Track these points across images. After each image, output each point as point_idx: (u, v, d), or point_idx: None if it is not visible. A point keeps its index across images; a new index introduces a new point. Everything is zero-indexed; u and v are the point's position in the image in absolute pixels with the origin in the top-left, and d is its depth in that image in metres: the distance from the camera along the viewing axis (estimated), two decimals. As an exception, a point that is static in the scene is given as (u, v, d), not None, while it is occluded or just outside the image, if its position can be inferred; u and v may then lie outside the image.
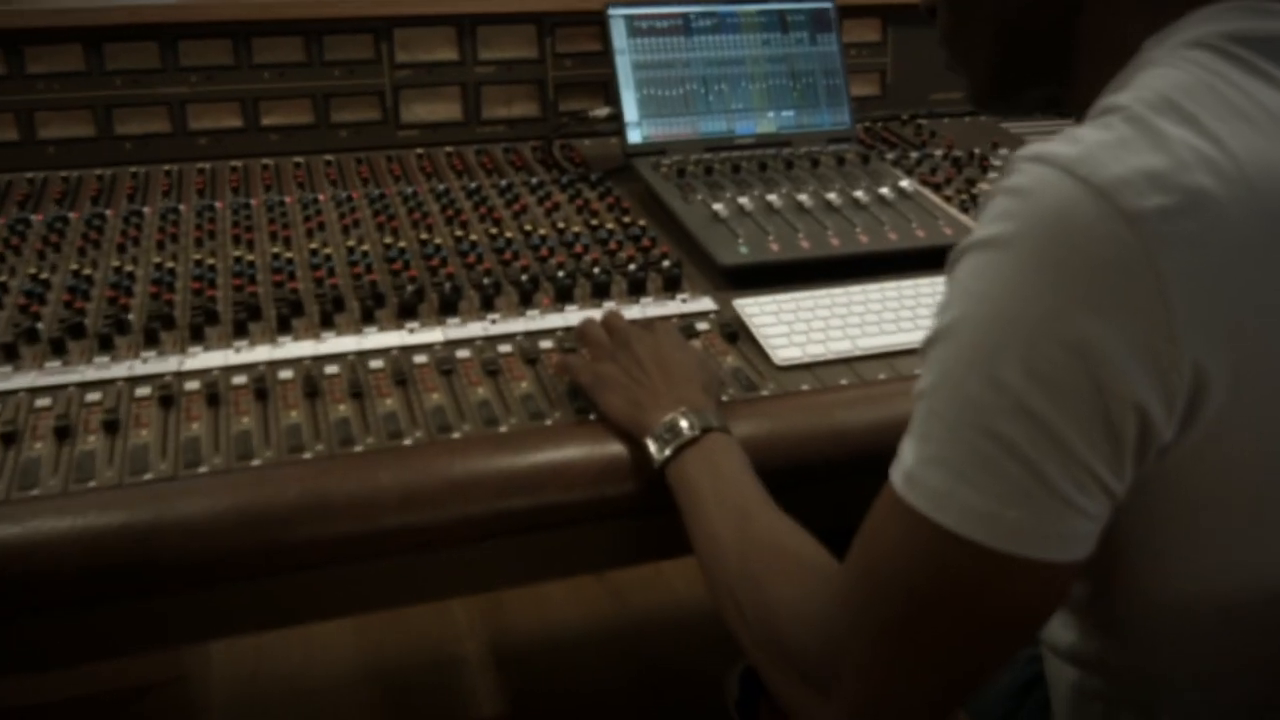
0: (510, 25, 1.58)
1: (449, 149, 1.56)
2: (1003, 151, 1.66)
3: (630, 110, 1.44)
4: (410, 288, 1.16)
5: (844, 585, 0.70)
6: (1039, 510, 0.60)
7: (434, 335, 1.09)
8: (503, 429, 0.96)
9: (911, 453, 0.65)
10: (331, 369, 1.03)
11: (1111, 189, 0.59)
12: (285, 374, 1.02)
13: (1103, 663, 0.77)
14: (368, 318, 1.11)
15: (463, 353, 1.06)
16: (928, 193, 1.43)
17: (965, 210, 1.42)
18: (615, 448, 0.95)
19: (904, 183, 1.39)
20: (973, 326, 0.63)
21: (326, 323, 1.10)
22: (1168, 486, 0.64)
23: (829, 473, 1.00)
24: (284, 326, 1.09)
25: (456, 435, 0.95)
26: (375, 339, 1.08)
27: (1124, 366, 0.59)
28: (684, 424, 0.91)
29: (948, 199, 1.46)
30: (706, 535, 0.85)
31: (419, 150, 1.55)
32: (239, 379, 1.01)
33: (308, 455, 0.92)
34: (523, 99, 1.61)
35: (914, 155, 1.61)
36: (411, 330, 1.10)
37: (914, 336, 1.12)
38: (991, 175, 1.56)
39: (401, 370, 1.02)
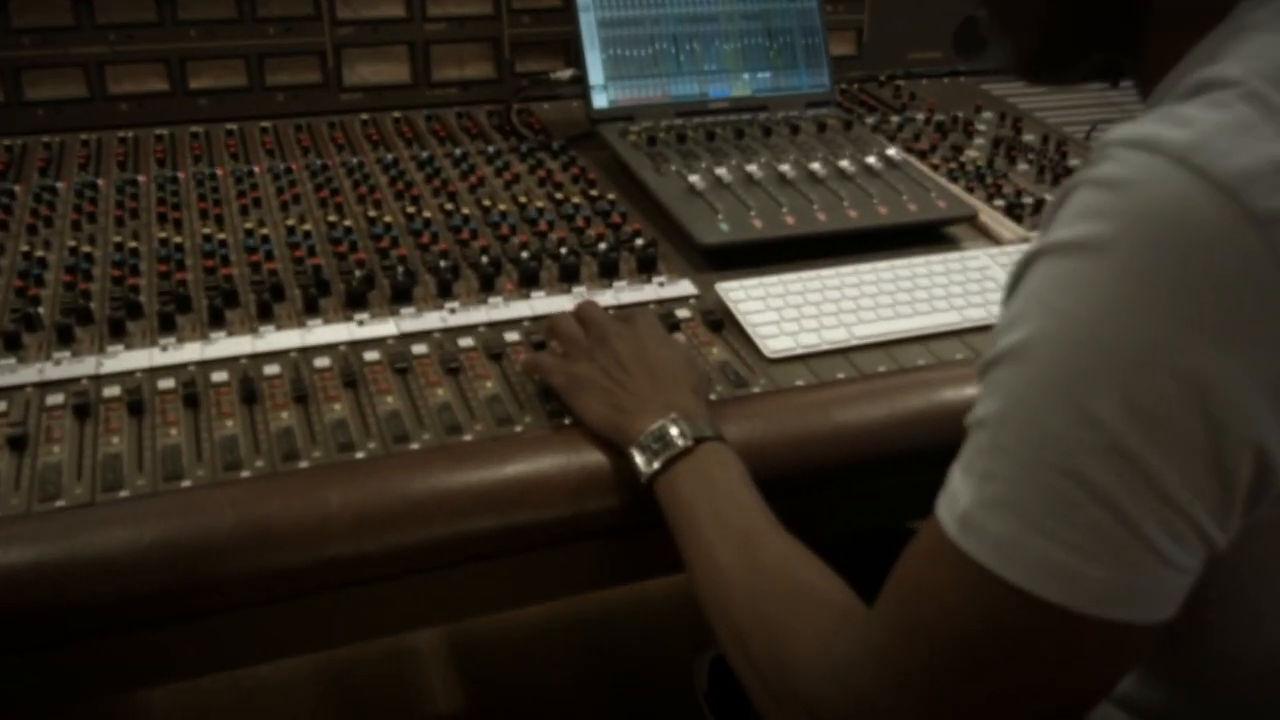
0: (461, -22, 1.45)
1: (396, 114, 1.44)
2: (987, 115, 1.56)
3: (595, 72, 1.32)
4: (358, 273, 1.04)
5: (879, 636, 0.60)
6: (1127, 565, 0.51)
7: (386, 328, 0.98)
8: (467, 437, 0.86)
9: (968, 492, 0.56)
10: (271, 369, 0.92)
11: (1237, 184, 0.49)
12: (219, 376, 0.91)
13: (1164, 715, 0.68)
14: (311, 308, 1.00)
15: (419, 347, 0.96)
16: (915, 161, 1.33)
17: (955, 180, 1.33)
18: (595, 458, 0.85)
19: (891, 151, 1.29)
20: (1054, 348, 0.53)
21: (265, 314, 0.99)
22: None
23: (828, 479, 0.90)
24: (217, 320, 0.98)
25: (415, 446, 0.84)
26: (320, 333, 0.97)
27: (1245, 400, 0.49)
28: (674, 432, 0.81)
29: (935, 167, 1.36)
30: (705, 561, 0.75)
31: (364, 116, 1.42)
32: (166, 383, 0.89)
33: (246, 474, 0.81)
34: (477, 59, 1.49)
35: (895, 120, 1.51)
36: (361, 322, 0.99)
37: (914, 323, 1.02)
38: (978, 141, 1.47)
39: (351, 370, 0.91)
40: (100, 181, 1.23)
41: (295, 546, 0.77)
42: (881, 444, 0.91)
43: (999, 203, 1.28)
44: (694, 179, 1.19)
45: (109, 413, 0.86)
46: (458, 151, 1.33)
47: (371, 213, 1.17)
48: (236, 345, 0.95)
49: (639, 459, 0.81)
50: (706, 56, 1.37)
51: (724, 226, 1.12)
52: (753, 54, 1.39)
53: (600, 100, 1.33)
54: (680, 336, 0.94)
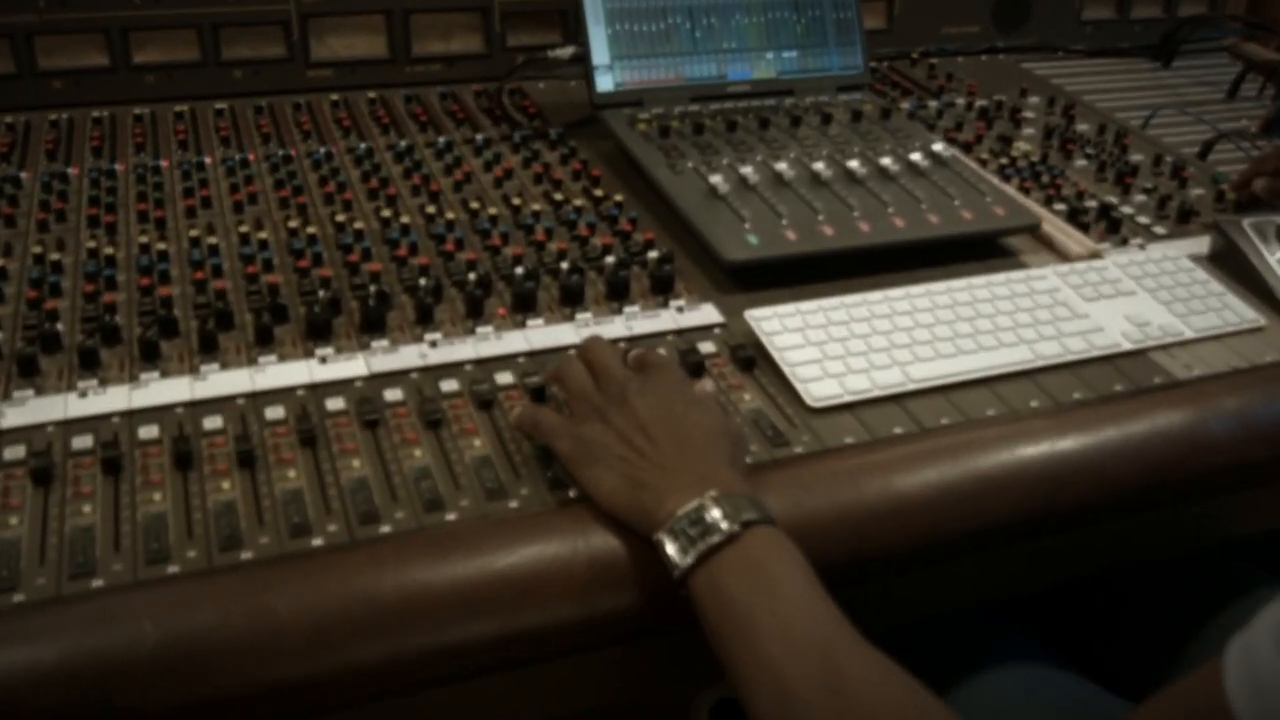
0: (446, -62, 1.28)
1: (371, 94, 1.27)
2: (1034, 99, 1.40)
3: (600, 50, 1.15)
4: (322, 294, 0.88)
5: None
6: None
7: (354, 366, 0.82)
8: (450, 516, 0.70)
9: None
10: (212, 421, 0.76)
11: None
12: (148, 431, 0.74)
13: None
14: (264, 339, 0.84)
15: (393, 392, 0.79)
16: (964, 158, 1.17)
17: (1007, 178, 1.16)
18: (609, 542, 0.69)
19: (938, 146, 1.13)
20: None
21: (208, 348, 0.82)
22: None
23: (886, 562, 0.75)
24: (150, 355, 0.81)
25: (386, 529, 0.69)
26: (274, 373, 0.81)
27: None
28: (714, 514, 0.65)
29: (983, 163, 1.20)
30: (767, 680, 0.60)
31: (334, 96, 1.25)
32: (81, 441, 0.73)
33: (174, 569, 0.65)
34: (463, 31, 1.31)
35: (933, 105, 1.35)
36: (324, 359, 0.82)
37: (978, 361, 0.87)
38: (1027, 131, 1.31)
39: (310, 423, 0.75)
40: (24, 175, 1.06)
41: (234, 669, 0.61)
42: (949, 518, 0.76)
43: (1059, 207, 1.12)
44: (715, 179, 1.02)
45: (8, 483, 0.70)
46: (441, 140, 1.16)
47: (340, 216, 1.00)
48: (171, 390, 0.78)
49: (670, 548, 0.65)
50: (725, 33, 1.20)
51: (752, 239, 0.96)
52: (777, 30, 1.22)
53: (605, 82, 1.16)
54: (708, 385, 0.78)
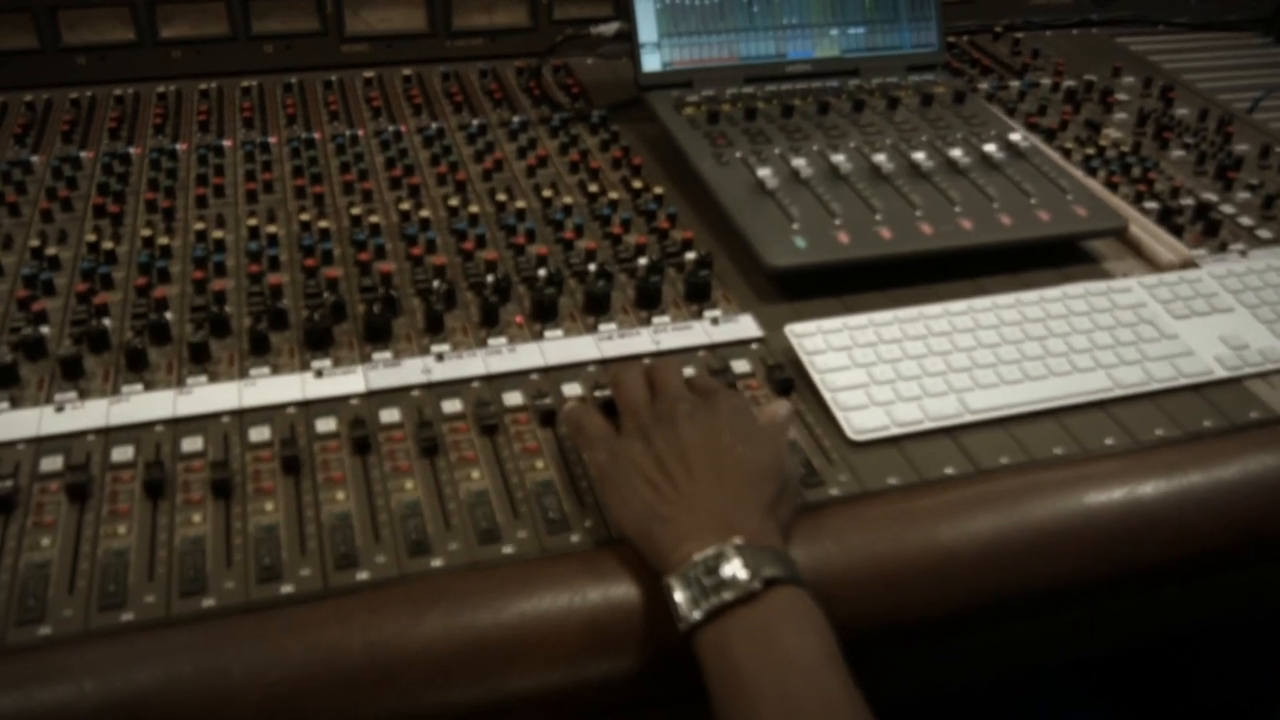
0: (490, -97, 1.19)
1: (408, 71, 1.19)
2: (1128, 79, 1.27)
3: (647, 26, 1.06)
4: (328, 297, 0.81)
5: None
6: None
7: (351, 382, 0.75)
8: (436, 562, 0.63)
9: None
10: (192, 443, 0.70)
11: None
12: (122, 453, 0.69)
13: None
14: (259, 348, 0.77)
15: (390, 413, 0.73)
16: (1045, 148, 1.06)
17: (1093, 171, 1.05)
18: (610, 598, 0.61)
19: (1015, 136, 1.02)
20: None
21: (199, 357, 0.76)
22: None
23: (927, 626, 0.66)
24: (136, 364, 0.75)
25: (363, 575, 0.62)
26: (265, 388, 0.74)
27: None
28: (733, 567, 0.57)
29: (1066, 153, 1.09)
30: None
31: (368, 73, 1.18)
32: (50, 462, 0.68)
33: (128, 616, 0.59)
34: (506, 3, 1.23)
35: (1015, 86, 1.23)
36: (320, 373, 0.76)
37: (1047, 389, 0.77)
38: (1119, 116, 1.19)
39: (296, 447, 0.69)
40: (36, 159, 1.01)
41: (179, 738, 0.55)
42: (1003, 577, 0.67)
43: (1151, 205, 1.00)
44: (763, 173, 0.93)
45: (-32, 510, 0.64)
46: (475, 123, 1.08)
47: (357, 209, 0.93)
48: (153, 405, 0.72)
49: (680, 596, 0.58)
50: (785, 7, 1.10)
51: (800, 242, 0.87)
52: (842, 4, 1.12)
53: (652, 62, 1.07)
54: (781, 409, 0.69)
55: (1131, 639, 0.80)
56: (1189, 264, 0.93)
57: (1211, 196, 1.03)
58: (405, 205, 0.94)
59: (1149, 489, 0.70)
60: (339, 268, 0.86)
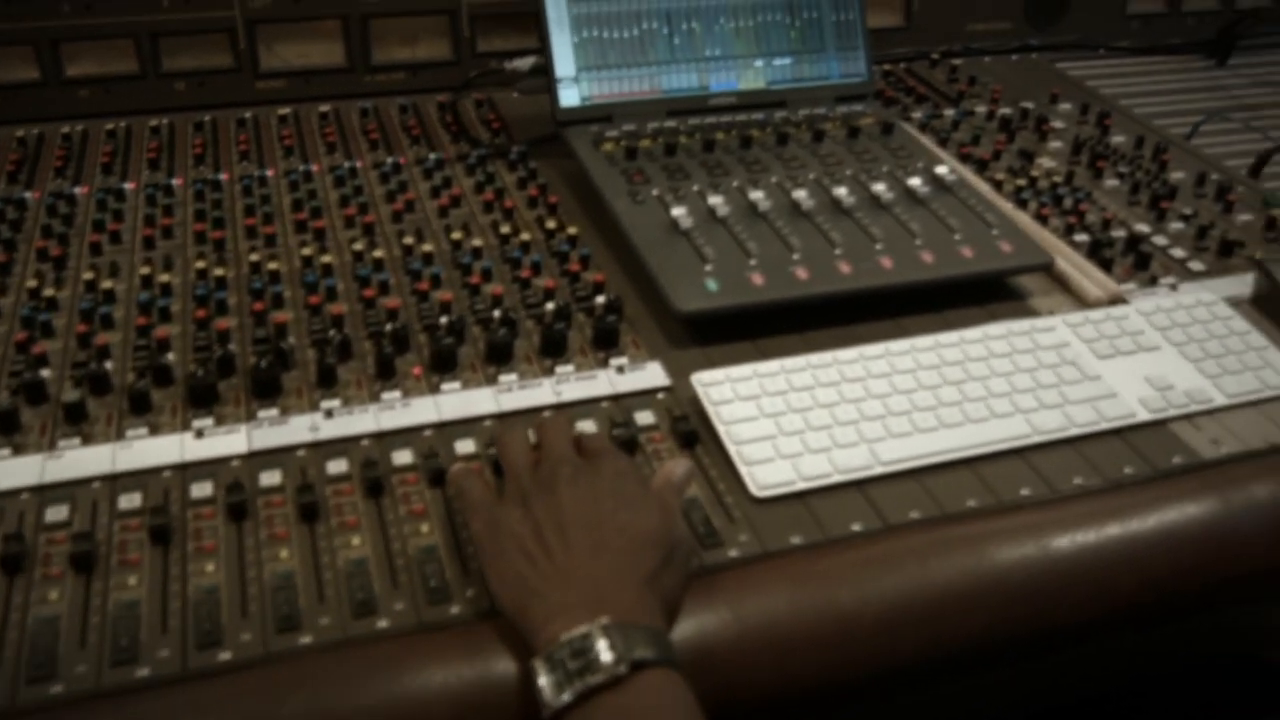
0: (408, -66, 1.17)
1: (325, 108, 1.16)
2: (1065, 106, 1.25)
3: (564, 60, 1.03)
4: (217, 351, 0.78)
5: None
6: None
7: (233, 441, 0.72)
8: (305, 639, 0.59)
9: None
10: (57, 513, 0.66)
11: None
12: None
13: None
14: (139, 407, 0.74)
15: (271, 475, 0.69)
16: (973, 179, 1.03)
17: (1023, 203, 1.03)
18: (486, 676, 0.58)
19: (941, 168, 0.99)
20: None
21: (74, 418, 0.73)
22: None
23: (820, 700, 0.63)
24: (6, 427, 0.72)
25: (226, 655, 0.58)
26: (141, 450, 0.71)
27: None
28: (600, 647, 0.54)
29: (998, 184, 1.06)
30: None
31: (283, 110, 1.15)
32: (-95, 537, 0.64)
33: (-35, 710, 0.55)
34: (429, 36, 1.21)
35: (949, 114, 1.21)
36: (201, 432, 0.72)
37: (963, 436, 0.74)
38: (1054, 145, 1.16)
39: (168, 515, 0.65)
40: (-74, 205, 0.97)
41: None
42: (904, 642, 0.64)
43: (1081, 238, 0.98)
44: (678, 212, 0.90)
45: None
46: (389, 161, 1.05)
47: (257, 255, 0.90)
48: (20, 471, 0.69)
49: (544, 679, 0.54)
50: (708, 39, 1.08)
51: (711, 284, 0.84)
52: (768, 34, 1.09)
53: (570, 96, 1.04)
54: (679, 469, 0.66)
55: (1053, 699, 0.77)
56: (1117, 300, 0.90)
57: (1144, 228, 1.01)
58: (308, 250, 0.90)
59: (1064, 543, 0.67)
60: (232, 318, 0.83)
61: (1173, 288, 0.93)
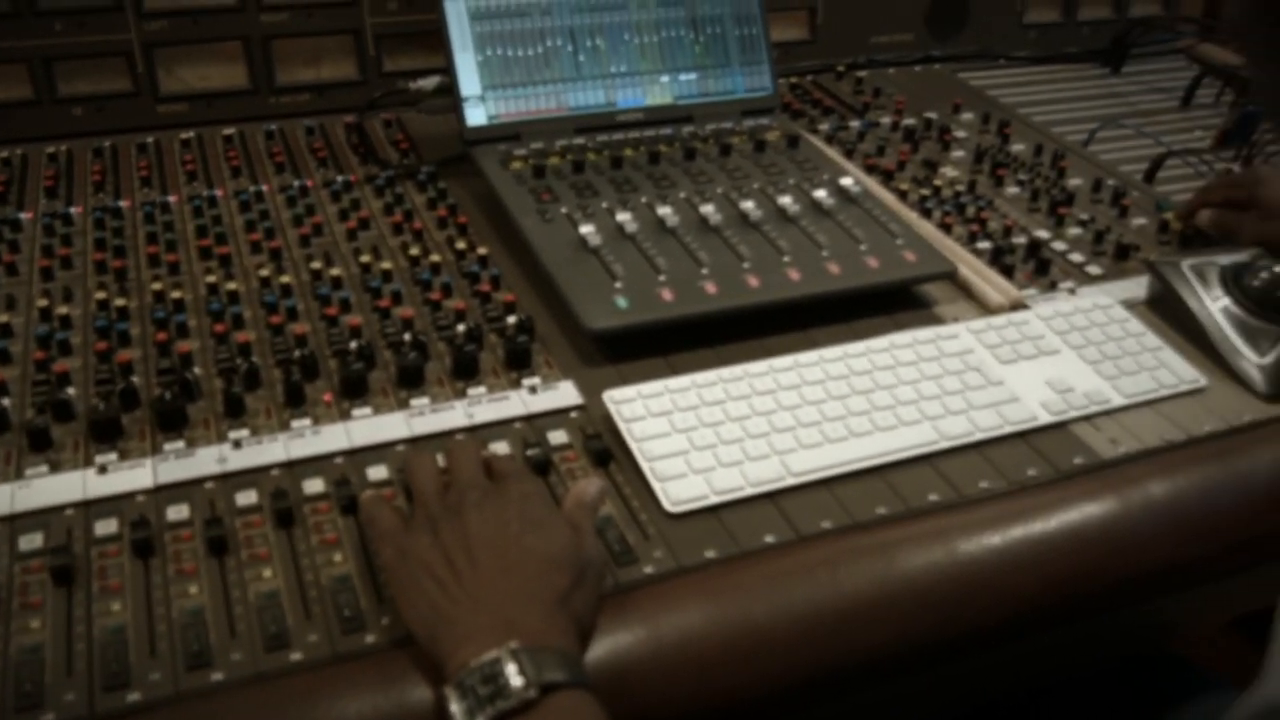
0: (310, -46, 1.15)
1: (229, 131, 1.14)
2: (967, 115, 1.28)
3: (469, 79, 1.03)
4: (120, 385, 0.76)
5: None
6: None
7: (139, 476, 0.71)
8: (217, 676, 0.59)
9: None
10: (-48, 558, 0.64)
11: None
12: (-128, 572, 0.63)
13: None
14: (38, 444, 0.72)
15: (178, 509, 0.68)
16: (878, 190, 1.05)
17: (927, 213, 1.05)
18: (404, 704, 0.58)
19: (846, 180, 1.01)
20: None
21: (-29, 459, 0.71)
22: None
23: (741, 714, 0.64)
24: (-102, 469, 0.69)
25: (135, 696, 0.57)
26: (41, 488, 0.70)
27: None
28: (509, 672, 0.54)
29: (902, 194, 1.08)
30: None
31: (186, 134, 1.13)
32: None
33: None
34: (334, 55, 1.19)
35: (855, 126, 1.23)
36: (104, 468, 0.71)
37: (872, 445, 0.76)
38: (956, 154, 1.19)
39: (70, 553, 0.64)
40: None
41: None
42: (817, 654, 0.65)
43: (984, 245, 1.00)
44: (586, 230, 0.91)
45: None
46: (296, 184, 1.04)
47: (161, 283, 0.88)
48: (-87, 515, 0.67)
49: (455, 707, 0.54)
50: (613, 56, 1.08)
51: (621, 302, 0.85)
52: (673, 50, 1.10)
53: (477, 115, 1.04)
54: (591, 488, 0.66)
55: (963, 704, 0.78)
56: (1018, 305, 0.92)
57: (1044, 234, 1.03)
58: (214, 278, 0.89)
59: (970, 547, 0.69)
60: (135, 350, 0.81)
61: (1071, 292, 0.95)
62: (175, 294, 0.87)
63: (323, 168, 1.09)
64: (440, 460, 0.68)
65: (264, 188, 1.04)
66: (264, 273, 0.90)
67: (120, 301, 0.85)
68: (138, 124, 1.13)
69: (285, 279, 0.89)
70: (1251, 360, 0.85)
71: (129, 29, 1.10)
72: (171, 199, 1.01)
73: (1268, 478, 0.78)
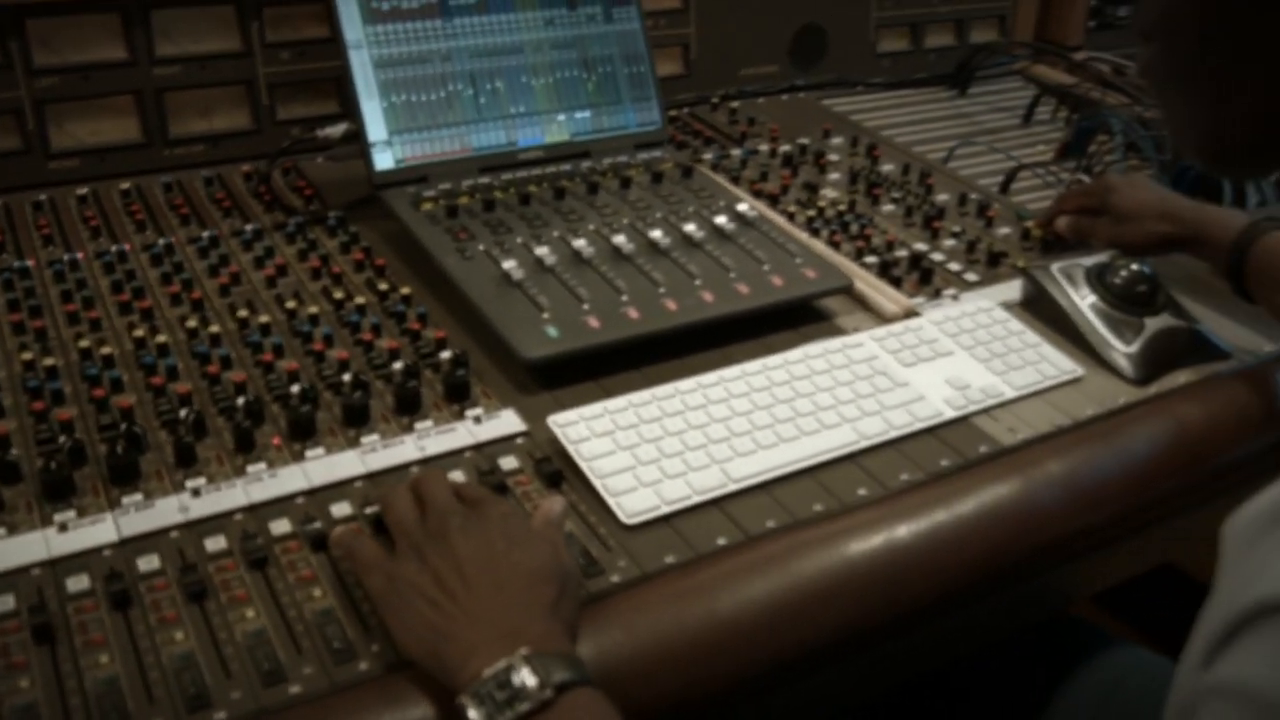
0: (197, 7, 1.16)
1: (125, 185, 1.14)
2: (836, 140, 1.37)
3: (375, 125, 1.06)
4: (63, 441, 0.77)
5: None
6: None
7: (101, 531, 0.71)
8: (219, 715, 0.60)
9: None
10: (-76, 625, 0.64)
11: None
12: None
13: None
14: (-8, 507, 0.72)
15: (148, 560, 0.69)
16: (769, 213, 1.12)
17: (815, 232, 1.12)
18: (420, 713, 0.60)
19: (742, 205, 1.08)
20: None
21: (-79, 526, 0.70)
22: None
23: (714, 704, 0.68)
24: None
25: (136, 744, 0.58)
26: (6, 551, 0.69)
27: None
28: (523, 677, 0.57)
29: (790, 216, 1.16)
30: None
31: (81, 190, 1.12)
32: None
33: None
34: (227, 106, 1.20)
35: (736, 154, 1.30)
36: (64, 526, 0.71)
37: (801, 449, 0.82)
38: (833, 176, 1.27)
39: (46, 613, 0.64)
40: None
41: None
42: (779, 640, 0.70)
43: (871, 260, 1.08)
44: (508, 265, 0.95)
45: None
46: (205, 235, 1.05)
47: (86, 340, 0.88)
48: (-127, 587, 0.66)
49: (474, 714, 0.57)
50: (512, 97, 1.13)
51: (552, 331, 0.89)
52: (568, 90, 1.16)
53: (385, 160, 1.07)
54: (555, 506, 0.70)
55: (900, 676, 0.85)
56: (911, 313, 1.00)
57: (922, 246, 1.12)
58: (140, 331, 0.89)
59: (903, 532, 0.76)
60: (72, 407, 0.81)
61: (955, 298, 1.04)
62: (104, 350, 0.87)
63: (228, 217, 1.10)
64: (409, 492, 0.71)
65: (172, 240, 1.04)
66: (191, 324, 0.91)
67: (48, 360, 0.85)
68: (29, 181, 1.12)
69: (214, 329, 0.90)
70: (1120, 350, 0.95)
71: (19, 86, 1.09)
72: (79, 255, 1.01)
73: (1145, 452, 0.87)
